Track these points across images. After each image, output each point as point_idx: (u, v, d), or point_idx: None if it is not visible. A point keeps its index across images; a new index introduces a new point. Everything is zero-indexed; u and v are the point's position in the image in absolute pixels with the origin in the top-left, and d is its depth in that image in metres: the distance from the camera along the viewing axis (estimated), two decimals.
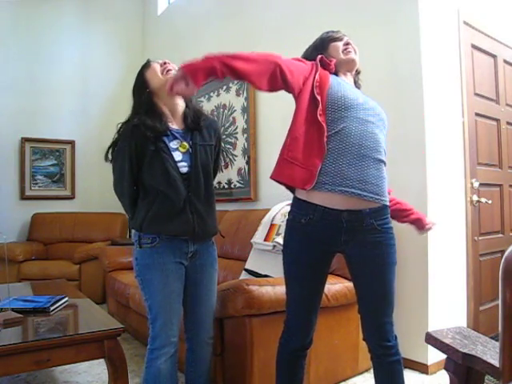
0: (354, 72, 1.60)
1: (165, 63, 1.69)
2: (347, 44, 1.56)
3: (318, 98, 1.37)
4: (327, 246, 1.39)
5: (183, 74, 1.27)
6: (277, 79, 1.34)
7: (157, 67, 1.69)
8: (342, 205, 1.33)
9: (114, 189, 1.73)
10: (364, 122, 1.38)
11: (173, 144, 1.64)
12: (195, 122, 1.70)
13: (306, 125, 1.36)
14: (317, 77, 1.40)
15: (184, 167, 1.63)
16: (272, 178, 1.41)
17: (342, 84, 1.44)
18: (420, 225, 1.66)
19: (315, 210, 1.34)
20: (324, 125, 1.34)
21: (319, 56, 1.49)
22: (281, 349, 1.50)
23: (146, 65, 1.73)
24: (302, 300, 1.45)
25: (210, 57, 1.27)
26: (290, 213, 1.45)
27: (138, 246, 1.63)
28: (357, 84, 1.61)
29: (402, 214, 1.63)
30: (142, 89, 1.68)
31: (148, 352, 1.59)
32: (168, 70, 1.66)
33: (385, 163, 1.42)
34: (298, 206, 1.41)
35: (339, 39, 1.57)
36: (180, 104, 1.72)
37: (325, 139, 1.33)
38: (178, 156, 1.63)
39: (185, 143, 1.66)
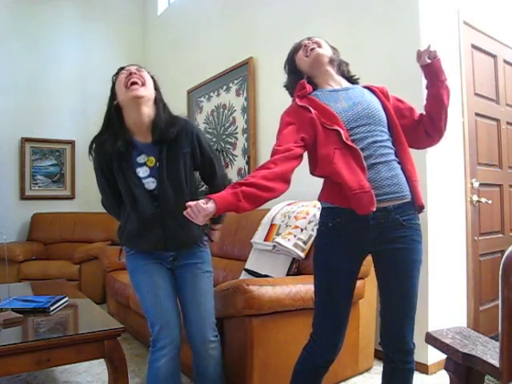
0: (332, 68, 1.51)
1: (130, 74, 1.56)
2: (305, 46, 1.50)
3: (336, 127, 1.35)
4: (356, 247, 1.38)
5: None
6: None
7: (122, 77, 1.57)
8: None
9: (102, 203, 1.77)
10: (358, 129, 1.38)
11: (140, 159, 1.60)
12: (164, 134, 1.58)
13: (338, 155, 1.33)
14: (314, 116, 1.37)
15: (151, 183, 1.60)
16: (361, 213, 1.32)
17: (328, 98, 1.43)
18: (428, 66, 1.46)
19: (342, 213, 1.36)
20: (356, 146, 1.34)
21: (295, 96, 1.48)
22: (302, 360, 1.46)
23: (117, 73, 1.62)
24: (330, 306, 1.41)
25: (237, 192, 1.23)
26: (319, 219, 1.47)
27: (124, 255, 1.71)
28: (351, 80, 1.55)
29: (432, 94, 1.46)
30: (110, 100, 1.62)
31: (150, 354, 1.60)
32: (132, 83, 1.54)
33: (396, 159, 1.40)
34: (324, 211, 1.44)
35: (299, 47, 1.52)
36: (147, 115, 1.59)
37: (363, 158, 1.33)
38: (144, 172, 1.59)
39: (152, 157, 1.60)
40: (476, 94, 2.73)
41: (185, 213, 1.20)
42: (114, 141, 1.56)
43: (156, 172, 1.59)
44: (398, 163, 1.40)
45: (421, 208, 1.43)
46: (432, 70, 1.44)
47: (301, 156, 1.37)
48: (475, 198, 2.63)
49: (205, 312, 1.66)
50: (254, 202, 1.25)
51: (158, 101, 1.62)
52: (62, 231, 4.61)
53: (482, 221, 2.71)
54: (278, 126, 1.45)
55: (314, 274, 1.46)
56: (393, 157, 1.40)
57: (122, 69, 1.62)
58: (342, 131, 1.34)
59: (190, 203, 1.20)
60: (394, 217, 1.35)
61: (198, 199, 1.63)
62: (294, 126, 1.39)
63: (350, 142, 1.34)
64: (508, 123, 3.02)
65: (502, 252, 2.82)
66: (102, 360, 1.84)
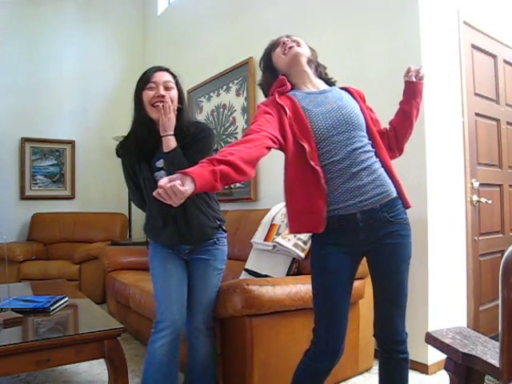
0: (310, 69, 1.49)
1: (159, 96, 1.64)
2: (283, 43, 1.47)
3: (304, 143, 1.34)
4: (349, 248, 1.38)
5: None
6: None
7: (150, 95, 1.65)
8: (354, 209, 1.35)
9: (131, 199, 1.93)
10: (341, 136, 1.37)
11: (158, 163, 1.70)
12: (182, 141, 1.68)
13: (300, 172, 1.36)
14: (288, 120, 1.36)
15: None
16: (292, 232, 1.46)
17: (309, 99, 1.42)
18: (411, 85, 1.49)
19: (331, 220, 1.36)
20: (318, 168, 1.33)
21: (274, 91, 1.45)
22: (303, 366, 1.45)
23: (144, 84, 1.66)
24: (329, 309, 1.41)
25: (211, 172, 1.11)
26: None
27: (148, 243, 1.86)
28: (328, 82, 1.53)
29: (404, 111, 1.51)
30: (139, 107, 1.69)
31: (150, 335, 1.66)
32: (158, 105, 1.63)
33: (376, 156, 1.42)
34: None
35: (277, 44, 1.50)
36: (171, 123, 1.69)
37: (323, 181, 1.33)
38: (162, 175, 1.66)
39: None
40: (476, 94, 2.73)
41: (155, 194, 1.04)
42: (139, 146, 1.69)
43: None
44: (380, 161, 1.42)
45: (408, 207, 1.46)
46: (413, 89, 1.50)
47: (270, 149, 1.32)
48: (475, 197, 2.63)
49: (206, 304, 1.77)
50: (226, 183, 1.16)
51: (180, 111, 1.71)
52: (62, 231, 4.61)
53: (482, 221, 2.71)
54: (255, 114, 1.41)
55: (311, 279, 1.46)
56: (374, 159, 1.41)
57: (148, 73, 1.66)
58: (307, 149, 1.33)
59: (162, 183, 1.03)
60: (382, 215, 1.37)
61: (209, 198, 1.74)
62: (272, 116, 1.36)
63: (312, 163, 1.33)
64: (508, 123, 3.02)
65: (502, 252, 2.82)
66: (102, 360, 1.84)
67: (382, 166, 1.42)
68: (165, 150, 1.63)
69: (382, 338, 1.45)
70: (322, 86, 1.50)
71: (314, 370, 1.43)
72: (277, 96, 1.42)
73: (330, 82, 1.55)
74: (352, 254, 1.40)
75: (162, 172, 1.68)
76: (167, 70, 1.70)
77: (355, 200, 1.34)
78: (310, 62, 1.50)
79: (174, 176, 1.07)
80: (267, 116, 1.35)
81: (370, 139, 1.43)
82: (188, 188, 1.05)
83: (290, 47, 1.46)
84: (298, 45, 1.47)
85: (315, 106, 1.40)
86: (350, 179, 1.35)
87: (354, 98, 1.49)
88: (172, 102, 1.64)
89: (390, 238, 1.38)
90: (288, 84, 1.45)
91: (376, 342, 1.48)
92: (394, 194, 1.40)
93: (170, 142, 1.63)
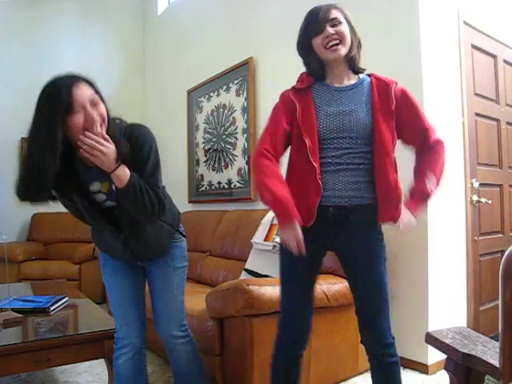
0: (344, 66, 1.43)
1: (93, 122, 1.26)
2: (327, 36, 1.36)
3: (307, 140, 1.37)
4: (317, 238, 1.41)
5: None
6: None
7: (79, 124, 1.25)
8: (327, 202, 1.38)
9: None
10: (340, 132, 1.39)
11: (93, 188, 1.41)
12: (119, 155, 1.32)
13: (300, 165, 1.40)
14: (297, 116, 1.39)
15: (110, 203, 1.45)
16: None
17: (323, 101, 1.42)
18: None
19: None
20: (315, 164, 1.36)
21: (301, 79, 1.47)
22: (276, 352, 1.48)
23: (65, 111, 1.23)
24: (295, 297, 1.44)
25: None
26: None
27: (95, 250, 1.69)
28: (356, 67, 1.45)
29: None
30: (53, 139, 1.22)
31: (114, 351, 1.62)
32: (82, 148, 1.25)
33: (367, 168, 1.41)
34: None
35: (319, 31, 1.37)
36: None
37: (318, 177, 1.36)
38: (101, 199, 1.44)
39: (105, 182, 1.40)
40: (476, 94, 2.73)
41: None
42: (54, 184, 1.30)
43: (114, 195, 1.41)
44: (371, 170, 1.40)
45: (380, 221, 1.44)
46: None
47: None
48: (475, 198, 2.63)
49: (171, 309, 1.64)
50: None
51: (110, 121, 1.35)
52: (61, 231, 4.61)
53: (481, 221, 2.71)
54: (276, 106, 1.47)
55: (279, 266, 1.47)
56: (364, 166, 1.40)
57: (61, 91, 1.26)
58: (308, 144, 1.36)
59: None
60: (354, 216, 1.39)
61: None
62: (281, 126, 1.42)
63: (312, 158, 1.36)
64: (508, 123, 3.02)
65: (502, 252, 2.82)
66: (102, 360, 1.84)
67: (372, 176, 1.40)
68: (119, 186, 1.32)
69: (369, 343, 1.45)
70: (347, 79, 1.45)
71: (281, 355, 1.46)
72: (291, 93, 1.44)
73: (357, 72, 1.47)
74: (317, 244, 1.42)
75: (101, 195, 1.42)
76: (81, 79, 1.31)
77: (330, 193, 1.38)
78: (347, 58, 1.42)
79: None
80: (278, 127, 1.42)
81: (373, 149, 1.39)
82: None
83: (334, 47, 1.37)
84: (342, 41, 1.37)
85: (327, 104, 1.41)
86: (333, 172, 1.38)
87: (373, 102, 1.40)
88: (105, 119, 1.31)
89: (362, 240, 1.41)
90: (305, 82, 1.44)
91: (365, 348, 1.48)
92: (366, 202, 1.40)
93: (123, 175, 1.30)
